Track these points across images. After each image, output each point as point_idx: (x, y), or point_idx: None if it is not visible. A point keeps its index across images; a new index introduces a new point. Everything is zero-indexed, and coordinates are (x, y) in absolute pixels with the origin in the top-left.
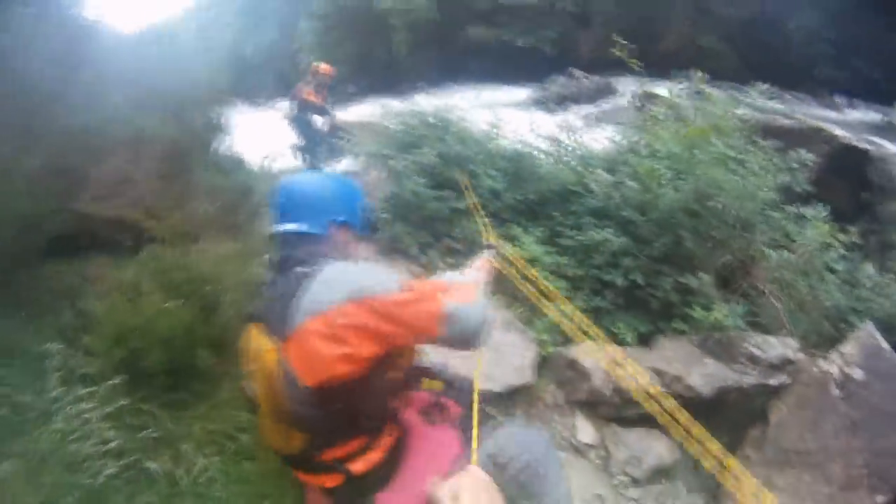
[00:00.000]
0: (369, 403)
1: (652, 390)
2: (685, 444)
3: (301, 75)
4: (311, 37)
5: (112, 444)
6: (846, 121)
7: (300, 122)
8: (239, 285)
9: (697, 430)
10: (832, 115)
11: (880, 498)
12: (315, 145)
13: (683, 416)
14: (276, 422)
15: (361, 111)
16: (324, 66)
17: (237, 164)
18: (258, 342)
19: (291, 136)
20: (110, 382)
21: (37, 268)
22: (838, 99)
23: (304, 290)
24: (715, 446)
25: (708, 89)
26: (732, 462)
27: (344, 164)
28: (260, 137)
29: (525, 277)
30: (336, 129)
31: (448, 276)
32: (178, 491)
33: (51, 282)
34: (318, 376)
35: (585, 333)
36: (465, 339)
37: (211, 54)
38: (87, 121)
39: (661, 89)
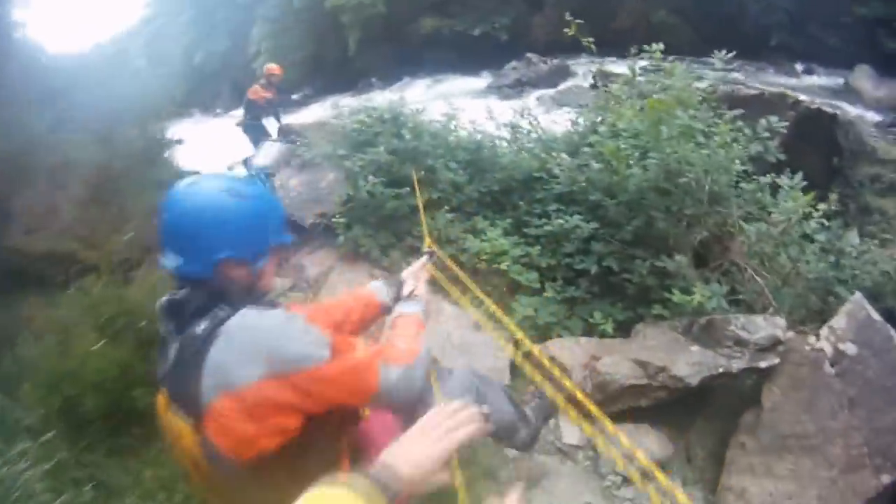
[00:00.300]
0: (316, 451)
1: (567, 383)
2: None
3: (257, 80)
4: (264, 42)
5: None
6: (806, 87)
7: (252, 128)
8: None
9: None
10: (792, 81)
11: (886, 478)
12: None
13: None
14: (217, 497)
15: (316, 113)
16: (272, 66)
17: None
18: (171, 420)
19: (245, 145)
20: (46, 436)
21: None
22: (797, 66)
23: (208, 357)
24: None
25: (667, 62)
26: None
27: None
28: (216, 148)
29: (457, 281)
30: (287, 132)
31: (405, 308)
32: None
33: None
34: (247, 454)
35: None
36: (404, 407)
37: (162, 67)
38: (8, 147)
39: (619, 67)
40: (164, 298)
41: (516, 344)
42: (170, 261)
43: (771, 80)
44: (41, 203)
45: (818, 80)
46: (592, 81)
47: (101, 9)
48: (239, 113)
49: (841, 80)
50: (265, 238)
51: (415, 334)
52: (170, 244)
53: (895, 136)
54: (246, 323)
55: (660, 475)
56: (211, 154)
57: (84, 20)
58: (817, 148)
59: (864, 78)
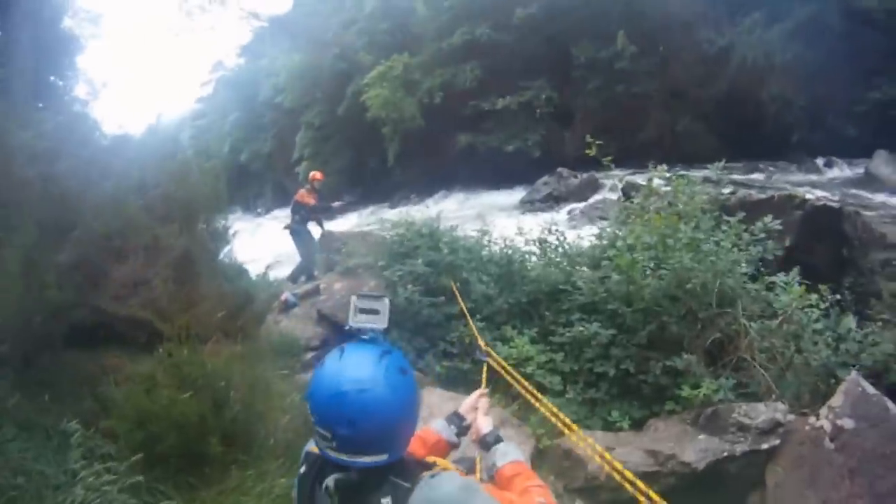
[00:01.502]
0: None
1: (628, 475)
2: None
3: (301, 184)
4: (307, 147)
5: None
6: (827, 181)
7: (299, 231)
8: (245, 384)
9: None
10: (813, 178)
11: None
12: (312, 255)
13: (654, 495)
14: None
15: (354, 221)
16: (315, 173)
17: (239, 271)
18: None
19: (291, 247)
20: (131, 460)
21: (59, 354)
22: (818, 161)
23: None
24: None
25: (677, 175)
26: None
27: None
28: (259, 246)
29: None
30: (330, 238)
31: (508, 457)
32: None
33: (71, 368)
34: None
35: (569, 428)
36: None
37: (210, 166)
38: (109, 225)
39: (642, 179)
40: (332, 480)
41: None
42: (367, 461)
43: (793, 179)
44: (131, 276)
45: (839, 172)
46: (620, 194)
47: (151, 97)
48: (281, 214)
49: (861, 170)
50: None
51: (543, 486)
52: (370, 448)
53: None
54: (430, 496)
55: None
56: (255, 252)
57: (134, 105)
58: (826, 241)
59: (883, 164)
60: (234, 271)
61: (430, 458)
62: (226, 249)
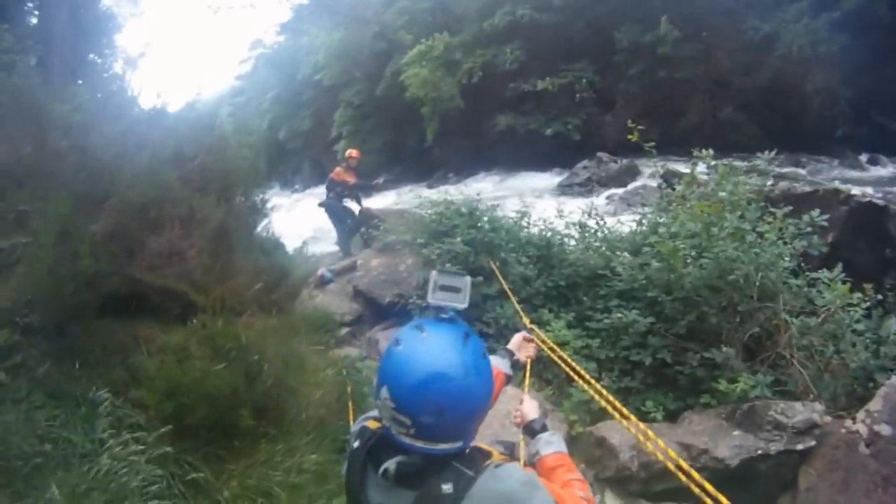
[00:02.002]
0: None
1: (682, 462)
2: None
3: (338, 162)
4: (346, 126)
5: (154, 487)
6: (871, 178)
7: (333, 207)
8: (279, 358)
9: (725, 500)
10: (856, 174)
11: None
12: (348, 231)
13: (710, 487)
14: None
15: (392, 199)
16: (352, 151)
17: (276, 246)
18: None
19: (328, 223)
20: (160, 430)
21: (91, 323)
22: (862, 157)
23: None
24: None
25: (722, 163)
26: None
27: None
28: (296, 222)
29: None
30: (368, 215)
31: (551, 447)
32: None
33: (103, 337)
34: None
35: (614, 408)
36: None
37: (248, 140)
38: (145, 195)
39: (684, 167)
40: (395, 464)
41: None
42: (445, 448)
43: (836, 175)
44: (166, 246)
45: (883, 170)
46: (661, 181)
47: (190, 74)
48: (318, 191)
49: None
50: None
51: (582, 479)
52: (451, 435)
53: None
54: (495, 487)
55: None
56: (292, 227)
57: (174, 82)
58: (870, 240)
59: None
60: (270, 245)
61: (484, 446)
62: (263, 223)
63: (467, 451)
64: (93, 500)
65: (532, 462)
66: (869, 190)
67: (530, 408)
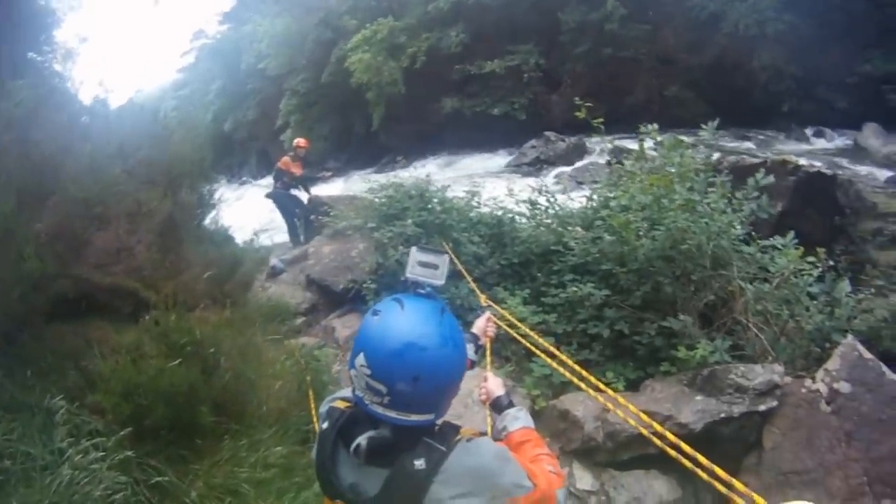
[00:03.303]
0: None
1: (656, 426)
2: (694, 474)
3: (285, 152)
4: (292, 115)
5: (118, 496)
6: (816, 151)
7: (281, 196)
8: (235, 351)
9: (703, 458)
10: (803, 147)
11: (887, 502)
12: (296, 220)
13: (687, 447)
14: None
15: (340, 186)
16: (299, 140)
17: (225, 238)
18: None
19: (277, 214)
20: (119, 434)
21: (41, 329)
22: (808, 131)
23: (430, 492)
24: (721, 472)
25: (669, 138)
26: (741, 485)
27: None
28: (245, 214)
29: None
30: (317, 203)
31: (518, 422)
32: None
33: (54, 343)
34: None
35: (581, 379)
36: None
37: (193, 131)
38: (89, 190)
39: (632, 143)
40: (366, 439)
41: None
42: (417, 419)
43: (782, 148)
44: (113, 243)
45: (828, 143)
46: (608, 158)
47: (131, 69)
48: (266, 182)
49: (850, 141)
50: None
51: (550, 452)
52: (424, 406)
53: None
54: (467, 462)
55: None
56: (241, 219)
57: (116, 76)
58: (819, 208)
59: (872, 136)
60: (219, 237)
61: (455, 423)
62: (211, 215)
63: (437, 427)
64: None
65: (500, 438)
66: (817, 163)
67: (495, 384)
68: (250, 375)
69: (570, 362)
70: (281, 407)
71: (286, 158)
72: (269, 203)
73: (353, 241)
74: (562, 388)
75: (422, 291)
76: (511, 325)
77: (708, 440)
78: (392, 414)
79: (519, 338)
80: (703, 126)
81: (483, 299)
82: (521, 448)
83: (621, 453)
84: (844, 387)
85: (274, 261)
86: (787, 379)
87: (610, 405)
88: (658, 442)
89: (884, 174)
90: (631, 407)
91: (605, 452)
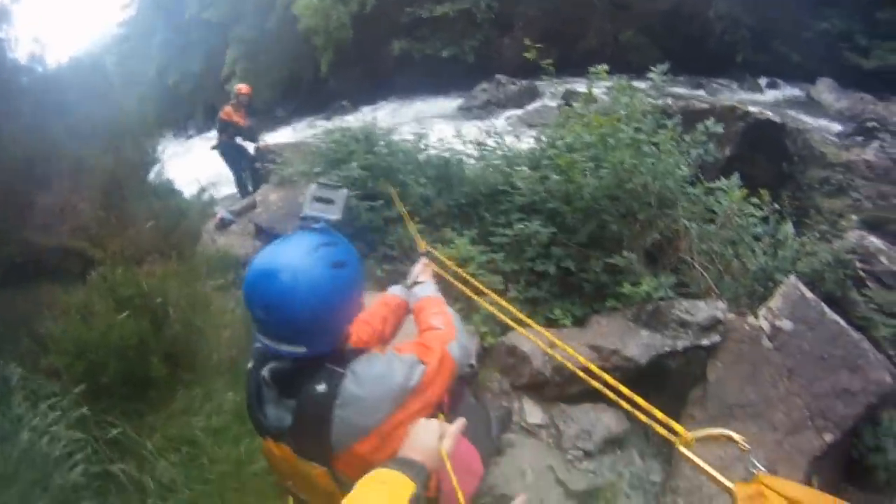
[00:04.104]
0: None
1: (592, 366)
2: (632, 413)
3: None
4: (238, 63)
5: (79, 455)
6: (769, 101)
7: (228, 148)
8: (183, 302)
9: (640, 399)
10: (756, 96)
11: (829, 437)
12: (242, 171)
13: (624, 388)
14: None
15: (290, 133)
16: (240, 86)
17: (170, 191)
18: (300, 466)
19: (222, 165)
20: (74, 392)
21: None
22: (761, 81)
23: (335, 415)
24: (659, 413)
25: (618, 80)
26: (679, 426)
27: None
28: (193, 168)
29: (458, 276)
30: (264, 151)
31: (421, 292)
32: (147, 497)
33: (4, 309)
34: None
35: (519, 322)
36: (461, 370)
37: (136, 87)
38: (31, 150)
39: (584, 87)
40: (268, 370)
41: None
42: (288, 350)
43: (734, 96)
44: (57, 203)
45: (781, 94)
46: (560, 101)
47: (71, 24)
48: (213, 135)
49: (803, 94)
50: (361, 294)
51: (443, 310)
52: (288, 336)
53: (858, 145)
54: (362, 379)
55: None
56: (188, 173)
57: (54, 34)
58: (767, 155)
59: (825, 91)
60: (164, 191)
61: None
62: (155, 169)
63: (342, 352)
64: (20, 481)
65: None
66: (774, 116)
67: (420, 272)
68: (199, 324)
69: (506, 304)
70: (232, 355)
71: (228, 108)
72: (217, 155)
73: (301, 187)
74: (509, 325)
75: (315, 226)
76: (452, 271)
77: (655, 374)
78: (265, 340)
79: (456, 283)
80: (652, 68)
81: (422, 246)
82: (419, 318)
83: (570, 387)
84: (786, 324)
85: (223, 212)
86: (731, 315)
87: (548, 349)
88: (595, 383)
89: (836, 127)
90: (569, 349)
91: (553, 387)
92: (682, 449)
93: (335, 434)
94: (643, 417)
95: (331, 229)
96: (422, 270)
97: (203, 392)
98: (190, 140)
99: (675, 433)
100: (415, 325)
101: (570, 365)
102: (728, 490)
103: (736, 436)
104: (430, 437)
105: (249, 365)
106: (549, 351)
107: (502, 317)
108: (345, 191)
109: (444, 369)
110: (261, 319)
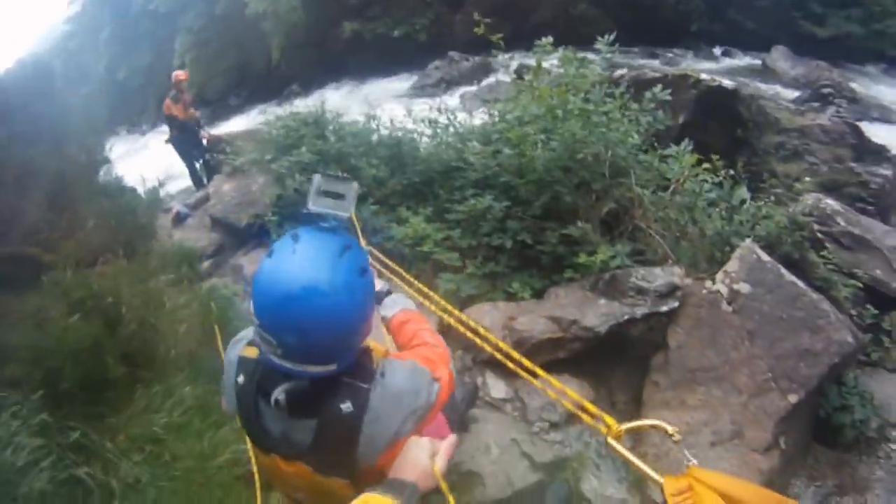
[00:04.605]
0: None
1: (501, 345)
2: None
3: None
4: (188, 53)
5: (46, 462)
6: (724, 69)
7: (179, 142)
8: (137, 300)
9: (571, 391)
10: (711, 65)
11: (793, 397)
12: (195, 163)
13: (555, 381)
14: None
15: (242, 122)
16: (177, 73)
17: (121, 190)
18: (320, 482)
19: (178, 158)
20: (32, 398)
21: None
22: (716, 50)
23: (363, 434)
24: (590, 405)
25: (564, 52)
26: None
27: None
28: (148, 164)
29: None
30: (216, 142)
31: (397, 304)
32: (114, 499)
33: None
34: None
35: (448, 312)
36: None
37: (85, 85)
38: None
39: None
40: (282, 393)
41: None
42: (316, 371)
43: (689, 65)
44: (6, 209)
45: (737, 62)
46: (514, 76)
47: (17, 26)
48: (166, 130)
49: (759, 62)
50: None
51: (430, 327)
52: (318, 357)
53: (814, 110)
54: (391, 394)
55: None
56: (140, 168)
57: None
58: (721, 122)
59: (780, 58)
60: (114, 189)
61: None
62: (105, 168)
63: (356, 363)
64: None
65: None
66: (727, 82)
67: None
68: (153, 321)
69: (436, 297)
70: (190, 349)
71: (167, 101)
72: (169, 150)
73: (253, 175)
74: (469, 300)
75: (325, 225)
76: (391, 268)
77: (617, 343)
78: (288, 365)
79: (398, 281)
80: (599, 38)
81: (362, 243)
82: (402, 330)
83: (532, 360)
84: (744, 287)
85: (178, 207)
86: (688, 280)
87: (471, 323)
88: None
89: (792, 94)
90: (490, 337)
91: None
92: (612, 441)
93: (362, 449)
94: (570, 406)
95: (345, 229)
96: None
97: (163, 389)
98: (144, 136)
99: (606, 425)
100: (392, 335)
101: (497, 354)
102: (657, 483)
103: (666, 426)
104: (423, 456)
105: (240, 381)
106: (477, 340)
107: (438, 311)
108: (355, 184)
109: (449, 387)
110: (288, 344)
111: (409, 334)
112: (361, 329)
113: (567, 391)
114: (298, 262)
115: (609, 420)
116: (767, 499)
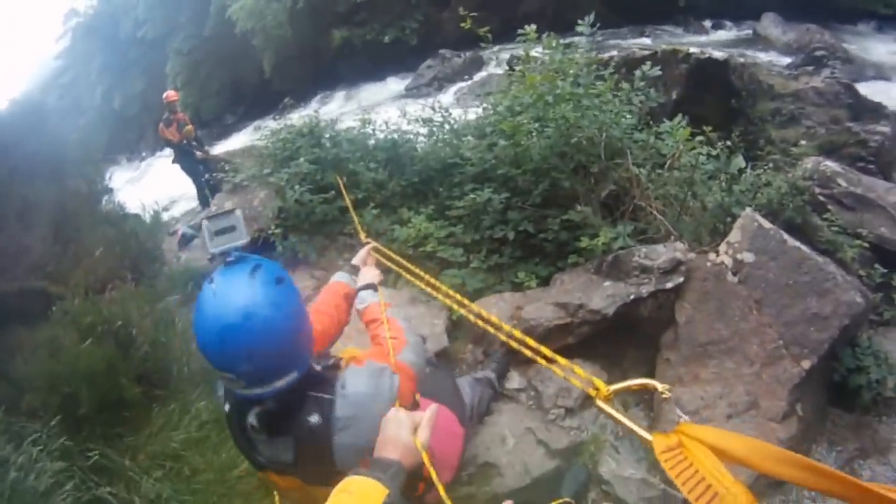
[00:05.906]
0: None
1: (516, 333)
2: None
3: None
4: (180, 76)
5: (69, 485)
6: (716, 41)
7: (182, 162)
8: (148, 322)
9: (560, 357)
10: (702, 39)
11: (806, 363)
12: (201, 179)
13: (546, 350)
14: None
15: (240, 140)
16: (168, 93)
17: (123, 216)
18: (315, 491)
19: (181, 181)
20: (52, 424)
21: None
22: (706, 23)
23: (335, 442)
24: (579, 370)
25: (547, 38)
26: (599, 381)
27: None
28: (151, 189)
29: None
30: (212, 160)
31: (368, 299)
32: None
33: None
34: None
35: (461, 305)
36: (424, 370)
37: (82, 117)
38: None
39: (531, 50)
40: (254, 417)
41: (456, 306)
42: (278, 386)
43: (680, 41)
44: (11, 245)
45: (727, 34)
46: (506, 68)
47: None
48: (165, 153)
49: (750, 31)
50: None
51: (391, 318)
52: (274, 372)
53: (807, 74)
54: (352, 401)
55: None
56: (143, 194)
57: None
58: (715, 94)
59: (771, 25)
60: (117, 217)
61: (328, 352)
62: (106, 197)
63: (315, 374)
64: None
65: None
66: (717, 53)
67: (367, 274)
68: (165, 341)
69: (443, 287)
70: (204, 365)
71: (161, 125)
72: (176, 172)
73: (253, 191)
74: (476, 294)
75: (231, 259)
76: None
77: (626, 323)
78: (257, 391)
79: (400, 270)
80: (580, 21)
81: (363, 236)
82: (371, 325)
83: (544, 347)
84: (748, 257)
85: (183, 228)
86: (691, 255)
87: (483, 314)
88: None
89: (785, 60)
90: (494, 319)
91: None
92: (600, 403)
93: (339, 458)
94: (560, 372)
95: (245, 254)
96: (366, 255)
97: (179, 406)
98: (144, 162)
99: (595, 388)
100: (365, 326)
101: (504, 337)
102: (646, 441)
103: (656, 383)
104: (403, 431)
105: (227, 409)
106: (482, 323)
107: (446, 300)
108: (238, 212)
109: (408, 376)
110: (242, 371)
111: (373, 326)
112: (302, 329)
113: (558, 358)
114: (220, 299)
115: (598, 382)
116: (760, 449)
